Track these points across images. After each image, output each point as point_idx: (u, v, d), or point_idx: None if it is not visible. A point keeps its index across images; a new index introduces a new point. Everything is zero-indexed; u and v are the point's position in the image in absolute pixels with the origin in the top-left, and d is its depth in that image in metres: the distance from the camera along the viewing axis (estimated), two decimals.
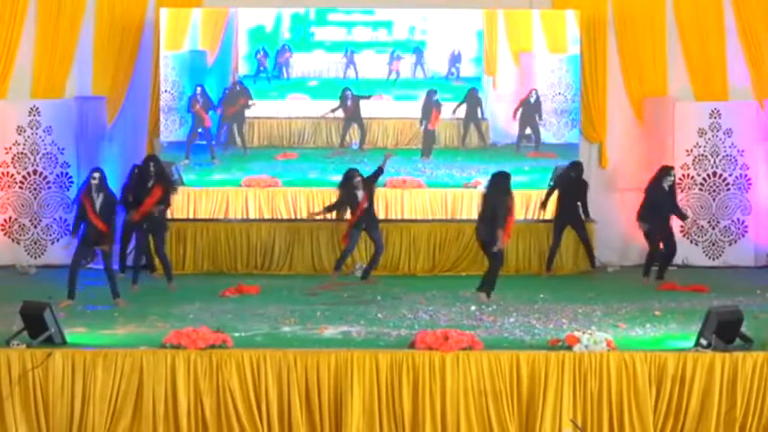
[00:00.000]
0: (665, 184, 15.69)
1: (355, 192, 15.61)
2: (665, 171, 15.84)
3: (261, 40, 18.08)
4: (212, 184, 17.71)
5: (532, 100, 17.96)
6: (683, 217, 16.20)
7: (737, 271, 17.38)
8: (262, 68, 18.11)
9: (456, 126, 18.10)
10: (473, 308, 13.42)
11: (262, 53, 18.10)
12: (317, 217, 16.47)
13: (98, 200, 13.45)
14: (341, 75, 18.14)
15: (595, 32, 18.03)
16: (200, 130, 17.90)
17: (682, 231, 17.76)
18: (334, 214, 15.98)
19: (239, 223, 17.41)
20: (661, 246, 15.80)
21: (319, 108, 18.14)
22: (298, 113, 18.19)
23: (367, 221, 15.72)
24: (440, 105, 17.98)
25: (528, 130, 18.02)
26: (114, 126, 17.91)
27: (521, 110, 17.99)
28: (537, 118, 17.97)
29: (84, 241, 13.61)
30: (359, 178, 15.65)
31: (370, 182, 15.77)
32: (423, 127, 18.04)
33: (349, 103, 17.94)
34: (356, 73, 18.10)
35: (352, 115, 18.01)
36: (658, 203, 15.64)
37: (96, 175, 13.54)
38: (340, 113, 18.01)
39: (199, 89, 17.78)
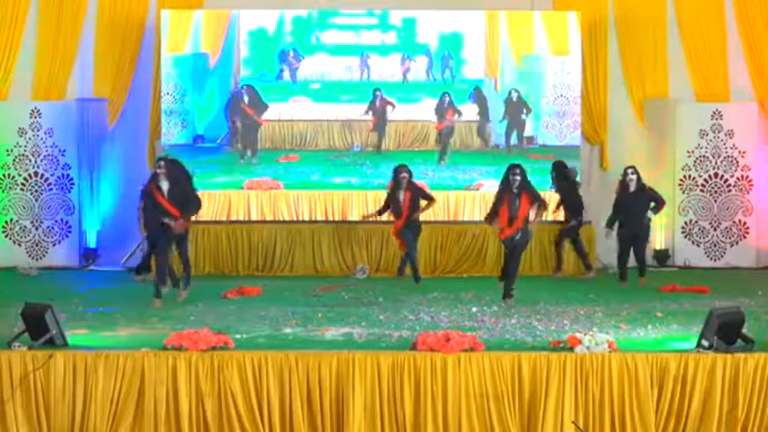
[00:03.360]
0: (631, 186, 15.40)
1: (399, 190, 15.45)
2: (624, 171, 15.60)
3: (263, 43, 18.08)
4: (215, 186, 17.70)
5: (515, 98, 17.95)
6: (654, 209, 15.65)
7: (739, 272, 17.38)
8: (293, 68, 18.13)
9: (458, 129, 18.09)
10: (474, 309, 13.42)
11: (292, 55, 18.11)
12: (371, 218, 16.33)
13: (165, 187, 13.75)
14: (343, 77, 18.14)
15: (596, 34, 18.03)
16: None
17: (683, 232, 17.79)
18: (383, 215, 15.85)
19: (241, 225, 17.40)
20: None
21: (321, 111, 18.14)
22: (300, 116, 18.18)
23: (412, 227, 15.50)
24: (447, 108, 17.97)
25: (515, 133, 18.04)
26: (115, 128, 17.92)
27: (505, 112, 17.99)
28: (524, 114, 17.96)
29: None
30: (405, 175, 15.44)
31: (418, 193, 15.57)
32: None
33: (378, 103, 17.95)
34: (369, 75, 18.09)
35: (380, 117, 18.01)
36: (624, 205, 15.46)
37: (162, 163, 13.87)
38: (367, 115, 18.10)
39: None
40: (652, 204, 15.42)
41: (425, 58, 18.10)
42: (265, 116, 18.05)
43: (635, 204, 15.34)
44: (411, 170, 15.64)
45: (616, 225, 15.62)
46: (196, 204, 14.17)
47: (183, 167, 14.24)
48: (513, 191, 13.73)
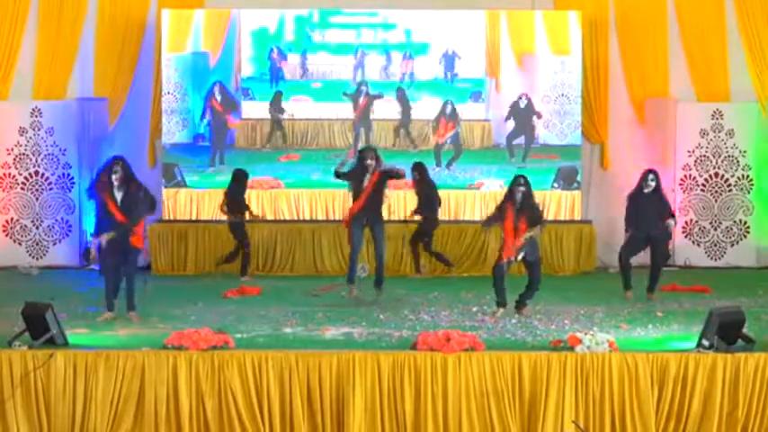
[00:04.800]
0: (646, 189, 14.50)
1: (364, 175, 14.07)
2: (644, 175, 14.69)
3: (264, 43, 18.07)
4: (215, 185, 17.69)
5: (522, 105, 17.93)
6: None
7: (739, 272, 17.37)
8: (277, 67, 18.12)
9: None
10: (474, 309, 13.42)
11: (276, 54, 18.09)
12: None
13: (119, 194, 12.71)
14: (343, 77, 18.13)
15: (597, 33, 18.02)
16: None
17: (684, 232, 17.78)
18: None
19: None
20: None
21: (322, 110, 18.13)
22: (300, 115, 18.17)
23: (370, 215, 14.16)
24: (451, 116, 17.95)
25: (521, 136, 17.98)
26: (116, 128, 17.91)
27: (513, 117, 17.94)
28: (533, 120, 17.92)
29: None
30: (371, 161, 13.99)
31: (385, 173, 14.10)
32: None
33: (361, 99, 17.93)
34: (362, 74, 18.07)
35: (362, 114, 17.97)
36: (640, 210, 14.53)
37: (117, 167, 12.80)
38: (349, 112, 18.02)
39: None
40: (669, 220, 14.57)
41: (427, 59, 18.08)
42: (266, 115, 18.08)
43: (648, 205, 14.46)
44: (379, 155, 14.21)
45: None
46: (148, 205, 13.01)
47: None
48: (516, 204, 13.02)
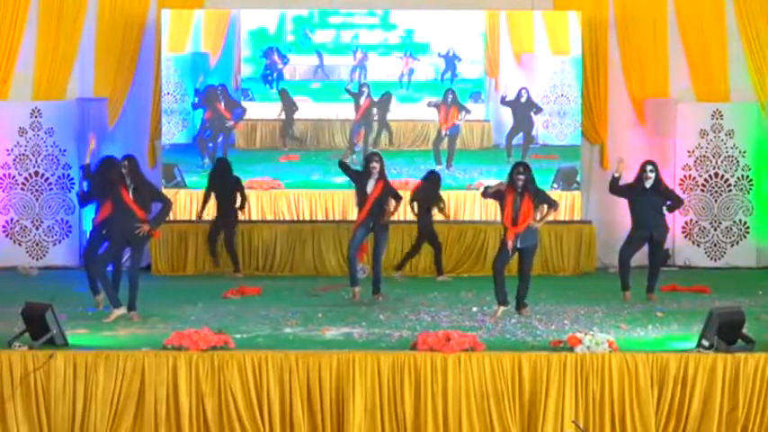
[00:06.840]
0: (646, 182, 14.11)
1: (368, 179, 14.23)
2: (642, 167, 14.30)
3: (264, 43, 18.06)
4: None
5: (523, 99, 17.94)
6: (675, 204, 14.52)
7: (739, 272, 17.38)
8: (269, 70, 18.12)
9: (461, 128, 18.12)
10: (474, 309, 13.42)
11: (276, 54, 18.09)
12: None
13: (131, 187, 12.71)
14: (343, 77, 18.13)
15: (597, 33, 18.03)
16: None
17: (684, 232, 17.78)
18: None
19: (241, 225, 17.37)
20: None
21: (322, 110, 18.13)
22: (300, 115, 18.17)
23: (376, 222, 14.24)
24: (451, 106, 17.94)
25: (520, 134, 18.00)
26: (116, 128, 17.90)
27: (513, 112, 17.94)
28: (532, 114, 17.93)
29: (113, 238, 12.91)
30: (375, 165, 14.11)
31: (390, 190, 14.28)
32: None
33: (362, 100, 17.92)
34: (364, 75, 18.07)
35: (363, 115, 17.97)
36: (641, 208, 14.23)
37: (126, 162, 12.82)
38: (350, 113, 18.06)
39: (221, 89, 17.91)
40: (668, 203, 14.35)
41: (426, 59, 18.09)
42: (266, 115, 18.10)
43: (648, 203, 14.15)
44: (383, 159, 14.35)
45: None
46: (167, 207, 13.06)
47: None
48: (517, 190, 12.93)
